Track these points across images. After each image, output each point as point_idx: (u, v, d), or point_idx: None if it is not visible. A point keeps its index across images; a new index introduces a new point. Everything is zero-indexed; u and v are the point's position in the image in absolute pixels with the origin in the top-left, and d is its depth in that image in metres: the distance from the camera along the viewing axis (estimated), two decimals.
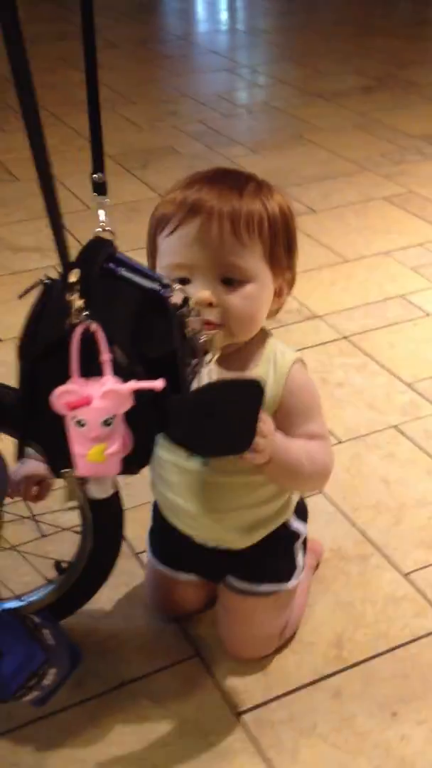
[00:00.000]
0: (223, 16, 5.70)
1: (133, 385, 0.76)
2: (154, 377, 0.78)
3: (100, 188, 0.88)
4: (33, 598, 1.25)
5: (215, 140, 3.26)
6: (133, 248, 2.76)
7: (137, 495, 1.55)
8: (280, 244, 1.04)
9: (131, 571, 1.40)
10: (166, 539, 1.26)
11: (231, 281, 1.00)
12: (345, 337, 2.02)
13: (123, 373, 0.78)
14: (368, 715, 1.18)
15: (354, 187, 2.79)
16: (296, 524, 1.24)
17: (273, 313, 1.10)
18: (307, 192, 2.75)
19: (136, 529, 1.48)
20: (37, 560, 1.32)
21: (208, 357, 0.89)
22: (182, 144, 3.24)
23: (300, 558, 1.25)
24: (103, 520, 1.19)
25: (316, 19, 5.22)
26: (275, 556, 1.22)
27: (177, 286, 0.85)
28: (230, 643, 1.26)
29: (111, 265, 0.82)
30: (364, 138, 3.21)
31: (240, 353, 1.07)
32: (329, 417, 1.79)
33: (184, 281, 1.00)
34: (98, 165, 0.87)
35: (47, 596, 1.24)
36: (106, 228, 0.86)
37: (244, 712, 1.19)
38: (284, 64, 4.41)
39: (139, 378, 0.77)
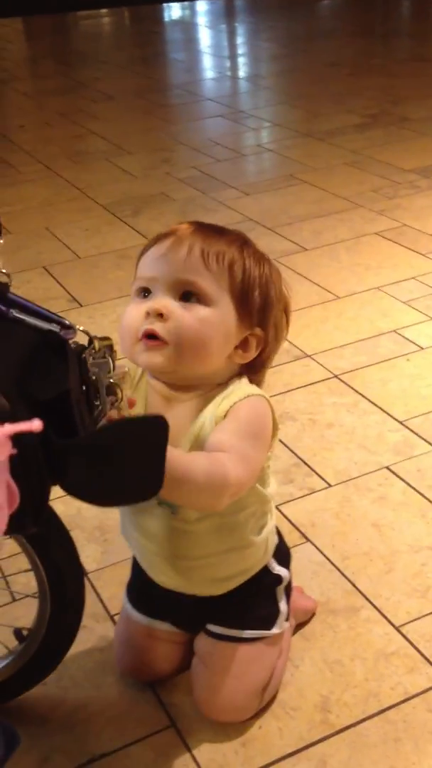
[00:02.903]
0: (223, 64, 5.74)
1: (8, 428, 0.66)
2: (47, 421, 0.70)
3: None
4: None
5: (208, 185, 3.23)
6: (121, 295, 2.68)
7: (114, 552, 1.48)
8: (253, 297, 1.01)
9: (104, 635, 1.32)
10: (144, 588, 1.19)
11: (188, 296, 0.98)
12: (335, 376, 1.95)
13: (4, 417, 0.71)
14: None
15: (346, 224, 2.74)
16: (278, 568, 1.18)
17: (236, 366, 1.03)
18: (298, 231, 2.70)
19: (112, 588, 1.40)
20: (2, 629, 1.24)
21: (117, 398, 0.82)
22: (175, 190, 3.21)
23: (283, 604, 1.18)
24: (62, 581, 1.12)
25: (311, 62, 5.24)
26: (257, 601, 1.15)
27: (80, 328, 0.80)
28: (207, 701, 1.16)
29: (1, 306, 0.76)
30: (356, 175, 3.17)
31: (193, 400, 1.01)
32: (318, 460, 1.72)
33: (146, 292, 1.00)
34: None
35: (8, 666, 1.17)
36: (1, 270, 0.81)
37: None
38: (278, 107, 4.41)
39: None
